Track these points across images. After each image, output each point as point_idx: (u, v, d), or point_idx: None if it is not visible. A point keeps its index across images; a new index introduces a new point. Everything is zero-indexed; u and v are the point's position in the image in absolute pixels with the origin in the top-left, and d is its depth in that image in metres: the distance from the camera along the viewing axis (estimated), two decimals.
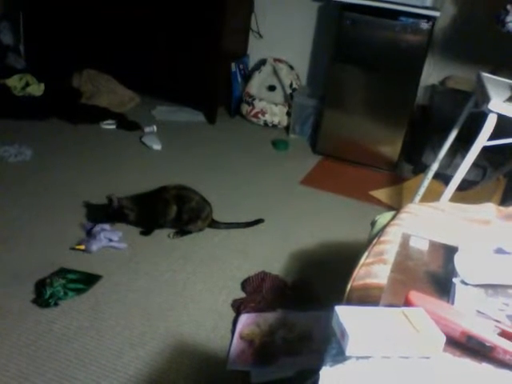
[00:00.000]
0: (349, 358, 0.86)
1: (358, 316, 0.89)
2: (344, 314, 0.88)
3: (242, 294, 2.38)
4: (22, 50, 4.41)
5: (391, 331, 0.87)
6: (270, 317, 2.22)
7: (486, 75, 2.59)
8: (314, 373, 1.15)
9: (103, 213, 2.67)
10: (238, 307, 2.28)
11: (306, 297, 2.39)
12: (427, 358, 0.88)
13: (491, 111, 2.25)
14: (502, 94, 2.32)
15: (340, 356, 0.86)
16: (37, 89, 3.90)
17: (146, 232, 2.73)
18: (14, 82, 3.89)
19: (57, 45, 4.29)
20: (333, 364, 0.86)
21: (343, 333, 0.85)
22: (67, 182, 3.09)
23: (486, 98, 2.29)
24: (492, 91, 2.33)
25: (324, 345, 1.37)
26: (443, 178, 3.23)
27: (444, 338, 0.88)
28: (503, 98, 2.27)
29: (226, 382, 1.94)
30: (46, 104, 3.87)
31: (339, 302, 1.53)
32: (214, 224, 2.82)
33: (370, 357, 0.86)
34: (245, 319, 2.21)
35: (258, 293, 2.37)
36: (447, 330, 0.91)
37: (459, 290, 1.06)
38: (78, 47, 4.24)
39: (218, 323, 2.20)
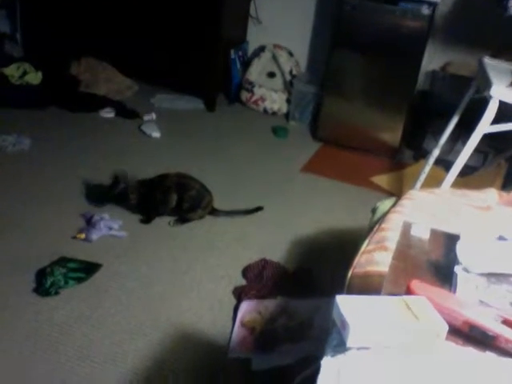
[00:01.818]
0: (350, 348, 0.85)
1: (358, 306, 0.88)
2: (345, 304, 0.87)
3: (243, 282, 2.38)
4: (18, 38, 4.37)
5: (393, 321, 0.87)
6: (270, 304, 2.22)
7: (487, 60, 2.56)
8: (314, 360, 1.15)
9: (106, 193, 2.67)
10: (239, 295, 2.28)
11: (307, 284, 2.39)
12: (429, 347, 0.87)
13: (493, 97, 2.22)
14: (503, 80, 2.30)
15: (341, 346, 0.85)
16: (34, 77, 3.87)
17: (146, 220, 2.72)
18: (12, 71, 3.85)
19: (54, 32, 4.24)
20: (334, 354, 0.85)
21: (344, 323, 0.84)
22: (66, 171, 3.07)
23: (488, 84, 2.26)
24: (494, 77, 2.31)
25: (324, 332, 1.36)
26: (444, 163, 3.21)
27: (447, 327, 0.87)
28: (505, 84, 2.25)
29: (226, 370, 1.94)
30: (44, 93, 3.83)
31: (340, 289, 1.53)
32: (215, 212, 2.81)
33: (371, 347, 0.85)
34: (246, 307, 2.21)
35: (259, 280, 2.37)
36: (449, 319, 0.91)
37: (461, 278, 1.05)
38: (75, 35, 4.19)
39: (218, 311, 2.20)
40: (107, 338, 2.00)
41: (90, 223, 2.57)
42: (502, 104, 2.26)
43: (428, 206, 1.69)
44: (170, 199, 2.70)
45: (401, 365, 0.84)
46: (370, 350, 0.85)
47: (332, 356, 0.85)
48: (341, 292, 1.51)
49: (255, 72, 4.20)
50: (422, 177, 2.98)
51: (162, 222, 2.73)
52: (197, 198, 2.73)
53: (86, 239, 2.49)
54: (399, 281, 1.05)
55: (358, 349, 0.85)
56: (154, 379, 1.87)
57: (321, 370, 0.84)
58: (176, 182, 2.73)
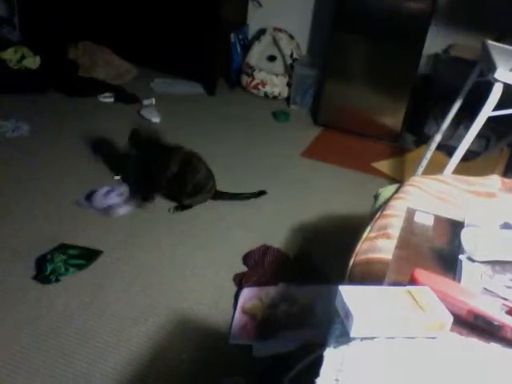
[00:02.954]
0: (353, 338, 0.84)
1: (362, 296, 0.86)
2: (348, 294, 0.86)
3: (244, 268, 2.37)
4: (16, 23, 4.31)
5: (396, 311, 0.85)
6: (271, 291, 2.22)
7: (491, 43, 2.52)
8: (316, 347, 1.14)
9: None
10: (240, 281, 2.27)
11: (308, 270, 2.38)
12: (433, 337, 0.86)
13: (497, 80, 2.19)
14: (507, 63, 2.26)
15: (344, 337, 0.84)
16: (32, 62, 3.83)
17: (145, 196, 2.69)
18: (10, 55, 3.81)
19: (52, 16, 4.19)
20: (337, 345, 0.84)
21: (347, 313, 0.83)
22: (65, 157, 3.05)
23: (492, 67, 2.23)
24: (498, 60, 2.27)
25: (326, 318, 1.35)
26: (446, 148, 3.19)
27: (451, 319, 0.86)
28: (509, 67, 2.22)
29: (227, 356, 1.94)
30: (43, 77, 3.80)
31: (341, 276, 1.52)
32: (218, 195, 2.78)
33: (374, 337, 0.84)
34: (247, 293, 2.20)
35: (260, 266, 2.36)
36: (454, 308, 0.89)
37: (466, 266, 1.04)
38: (73, 18, 4.14)
39: (219, 297, 2.19)
40: (108, 324, 2.00)
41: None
42: (504, 87, 2.23)
43: (431, 193, 1.67)
44: (170, 167, 2.66)
45: (405, 356, 0.83)
46: (374, 341, 0.84)
47: (335, 347, 0.84)
48: (343, 279, 1.50)
49: (255, 56, 4.16)
50: (424, 162, 2.96)
51: (163, 208, 2.71)
52: (200, 183, 2.70)
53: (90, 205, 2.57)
54: (402, 269, 1.04)
55: (362, 339, 0.84)
56: (155, 365, 1.87)
57: (324, 361, 0.82)
58: (183, 158, 2.70)
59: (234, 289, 2.25)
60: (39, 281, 2.14)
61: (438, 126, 2.99)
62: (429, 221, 1.23)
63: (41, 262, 2.21)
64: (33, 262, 2.23)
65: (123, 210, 2.61)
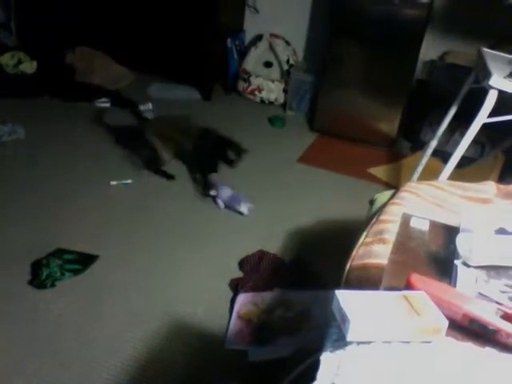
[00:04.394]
0: (350, 343, 0.84)
1: (358, 300, 0.87)
2: (344, 298, 0.86)
3: (240, 274, 2.37)
4: (13, 27, 4.32)
5: (393, 316, 0.86)
6: (267, 296, 2.22)
7: (486, 50, 2.54)
8: (312, 352, 1.14)
9: None
10: (236, 286, 2.27)
11: (304, 275, 2.38)
12: (429, 342, 0.87)
13: (492, 87, 2.21)
14: (502, 70, 2.28)
15: (341, 341, 0.85)
16: (29, 66, 3.83)
17: None
18: (6, 60, 3.81)
19: (49, 21, 4.19)
20: (333, 349, 0.84)
21: (344, 318, 0.84)
22: (61, 161, 3.05)
23: (487, 74, 2.25)
24: (493, 67, 2.29)
25: (322, 324, 1.35)
26: (441, 154, 3.21)
27: (447, 323, 0.86)
28: (504, 74, 2.24)
29: (223, 361, 1.94)
30: (39, 82, 3.80)
31: (337, 281, 1.52)
32: None
33: (371, 342, 0.85)
34: (242, 298, 2.20)
35: (256, 272, 2.36)
36: (449, 313, 0.90)
37: (461, 271, 1.05)
38: (70, 23, 4.14)
39: (215, 302, 2.19)
40: (105, 329, 2.00)
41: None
42: (499, 94, 2.24)
43: (427, 198, 1.68)
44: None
45: (400, 360, 0.84)
46: (370, 345, 0.84)
47: (331, 351, 0.84)
48: (339, 284, 1.51)
49: (252, 61, 4.17)
50: (420, 168, 2.97)
51: (159, 213, 2.71)
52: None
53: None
54: (399, 274, 1.04)
55: (358, 344, 0.84)
56: (151, 369, 1.86)
57: (320, 365, 0.83)
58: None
59: (230, 294, 2.25)
60: (34, 286, 2.14)
61: (434, 132, 3.00)
62: (424, 226, 1.24)
63: (36, 267, 2.20)
64: (28, 266, 2.22)
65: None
